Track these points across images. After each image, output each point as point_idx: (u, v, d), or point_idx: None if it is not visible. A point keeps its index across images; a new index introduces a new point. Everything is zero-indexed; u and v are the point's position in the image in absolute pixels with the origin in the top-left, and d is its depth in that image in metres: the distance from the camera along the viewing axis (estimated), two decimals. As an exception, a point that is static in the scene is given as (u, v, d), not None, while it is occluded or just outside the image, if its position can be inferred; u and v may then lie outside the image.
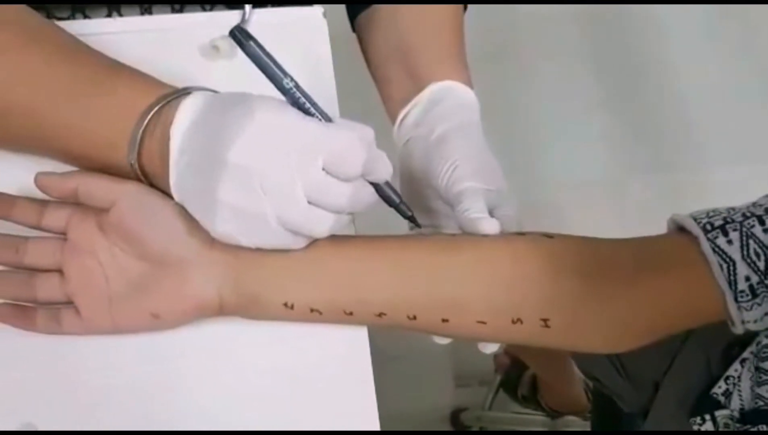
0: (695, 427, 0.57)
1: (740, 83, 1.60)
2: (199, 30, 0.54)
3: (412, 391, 1.25)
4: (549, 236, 0.46)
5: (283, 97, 0.41)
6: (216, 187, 0.39)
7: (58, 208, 0.45)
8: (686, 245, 0.45)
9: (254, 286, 0.44)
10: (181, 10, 0.59)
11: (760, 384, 0.50)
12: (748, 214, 0.44)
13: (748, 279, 0.43)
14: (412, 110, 0.54)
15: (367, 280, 0.44)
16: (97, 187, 0.44)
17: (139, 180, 0.44)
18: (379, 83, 0.59)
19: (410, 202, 0.54)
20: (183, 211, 0.43)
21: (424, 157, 0.52)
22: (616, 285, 0.45)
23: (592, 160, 1.52)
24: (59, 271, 0.45)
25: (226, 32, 0.53)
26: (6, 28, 0.44)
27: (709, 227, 0.44)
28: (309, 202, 0.40)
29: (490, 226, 0.46)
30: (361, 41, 0.61)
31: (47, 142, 0.44)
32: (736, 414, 0.54)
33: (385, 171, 0.43)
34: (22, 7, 0.46)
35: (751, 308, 0.43)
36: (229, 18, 0.55)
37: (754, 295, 0.43)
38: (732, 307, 0.44)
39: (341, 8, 0.61)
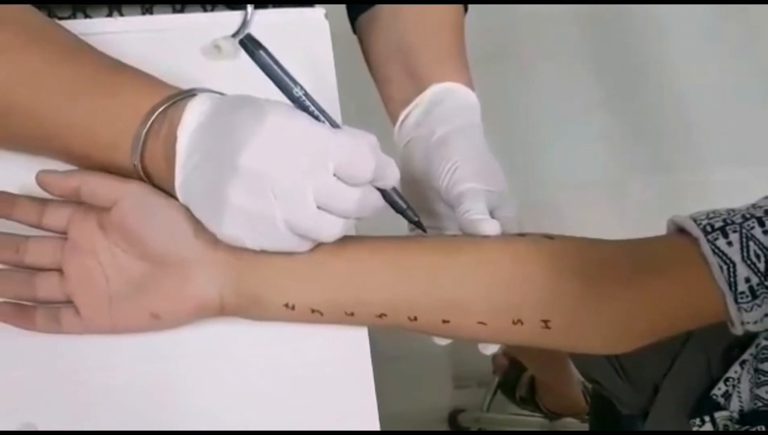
0: (695, 428, 0.57)
1: (740, 83, 1.60)
2: (200, 30, 0.54)
3: (410, 392, 1.25)
4: (549, 237, 0.46)
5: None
6: (226, 191, 0.39)
7: (59, 207, 0.45)
8: (686, 247, 0.45)
9: (255, 286, 0.44)
10: (182, 11, 0.59)
11: (759, 385, 0.50)
12: (748, 216, 0.44)
13: (748, 280, 0.43)
14: (413, 111, 0.54)
15: (368, 281, 0.44)
16: (100, 186, 0.43)
17: (141, 180, 0.44)
18: (379, 84, 0.59)
19: (410, 203, 0.54)
20: (186, 212, 0.43)
21: (425, 158, 0.52)
22: (616, 286, 0.45)
23: (592, 160, 1.52)
24: (59, 271, 0.45)
25: (228, 32, 0.53)
26: (7, 28, 0.44)
27: (709, 229, 0.44)
28: (318, 207, 0.40)
29: (491, 228, 0.46)
30: (361, 42, 0.61)
31: (48, 142, 0.44)
32: (735, 415, 0.54)
33: (393, 177, 0.43)
34: (26, 7, 0.46)
35: (751, 309, 0.43)
36: (231, 18, 0.55)
37: (754, 296, 0.43)
38: (732, 308, 0.44)
39: (342, 9, 0.61)
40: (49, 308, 0.45)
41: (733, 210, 0.45)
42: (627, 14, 1.64)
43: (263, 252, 0.43)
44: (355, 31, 0.62)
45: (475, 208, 0.48)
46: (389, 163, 0.42)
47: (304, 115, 0.40)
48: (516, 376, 1.27)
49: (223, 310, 0.45)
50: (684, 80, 1.59)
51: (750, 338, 0.53)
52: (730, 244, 0.43)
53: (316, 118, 0.41)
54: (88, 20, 0.56)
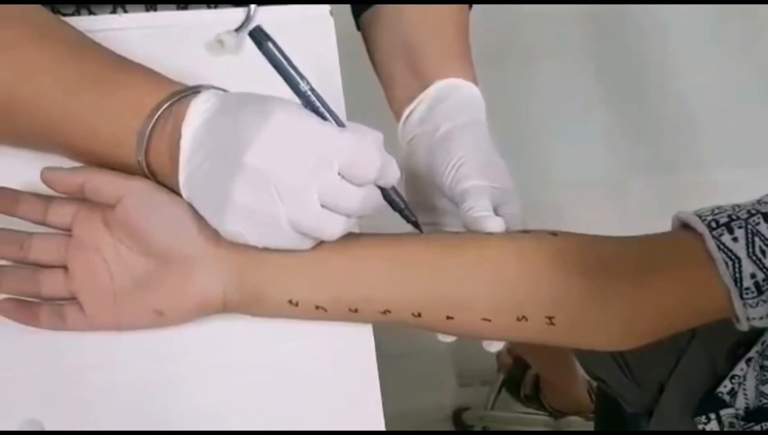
0: (700, 427, 0.57)
1: (741, 84, 1.60)
2: (204, 26, 0.54)
3: (415, 391, 1.25)
4: (553, 234, 0.46)
5: (296, 99, 0.41)
6: (231, 188, 0.39)
7: (64, 204, 0.45)
8: (691, 243, 0.45)
9: (258, 283, 0.44)
10: (185, 7, 0.58)
11: (764, 382, 0.50)
12: (753, 212, 0.44)
13: (753, 276, 0.43)
14: (417, 107, 0.54)
15: (371, 278, 0.44)
16: (104, 183, 0.43)
17: (145, 177, 0.44)
18: (383, 82, 0.59)
19: (414, 199, 0.54)
20: (190, 209, 0.43)
21: (429, 154, 0.52)
22: (621, 282, 0.45)
23: (593, 160, 1.52)
24: (64, 268, 0.45)
25: (232, 29, 0.53)
26: (12, 25, 0.44)
27: (714, 225, 0.44)
28: (322, 206, 0.40)
29: (495, 225, 0.46)
30: (365, 39, 0.61)
31: (52, 138, 0.44)
32: (741, 413, 0.54)
33: (393, 176, 0.43)
34: (31, 5, 0.46)
35: (757, 305, 0.43)
36: (234, 15, 0.55)
37: (760, 292, 0.43)
38: (737, 304, 0.43)
39: (347, 7, 0.61)
40: (54, 305, 0.44)
41: (738, 205, 0.45)
42: (628, 14, 1.64)
43: (266, 249, 0.43)
44: (358, 28, 0.62)
45: (480, 205, 0.47)
46: (391, 162, 0.42)
47: (310, 113, 0.40)
48: (520, 374, 1.27)
49: (226, 307, 0.45)
50: (685, 80, 1.59)
51: (756, 335, 0.53)
52: (735, 239, 0.43)
53: (321, 113, 0.40)
54: (92, 17, 0.56)
